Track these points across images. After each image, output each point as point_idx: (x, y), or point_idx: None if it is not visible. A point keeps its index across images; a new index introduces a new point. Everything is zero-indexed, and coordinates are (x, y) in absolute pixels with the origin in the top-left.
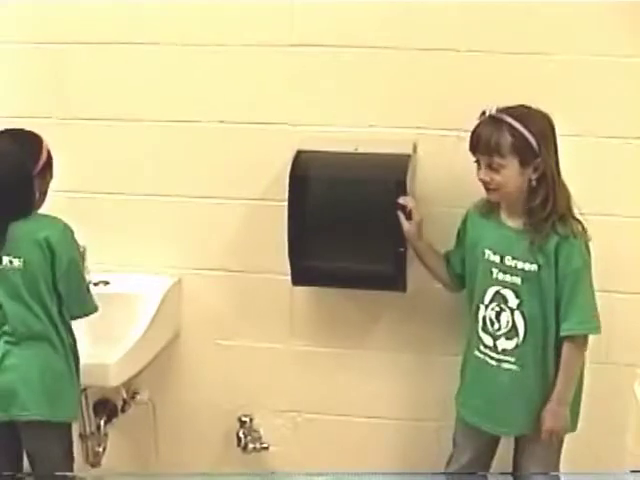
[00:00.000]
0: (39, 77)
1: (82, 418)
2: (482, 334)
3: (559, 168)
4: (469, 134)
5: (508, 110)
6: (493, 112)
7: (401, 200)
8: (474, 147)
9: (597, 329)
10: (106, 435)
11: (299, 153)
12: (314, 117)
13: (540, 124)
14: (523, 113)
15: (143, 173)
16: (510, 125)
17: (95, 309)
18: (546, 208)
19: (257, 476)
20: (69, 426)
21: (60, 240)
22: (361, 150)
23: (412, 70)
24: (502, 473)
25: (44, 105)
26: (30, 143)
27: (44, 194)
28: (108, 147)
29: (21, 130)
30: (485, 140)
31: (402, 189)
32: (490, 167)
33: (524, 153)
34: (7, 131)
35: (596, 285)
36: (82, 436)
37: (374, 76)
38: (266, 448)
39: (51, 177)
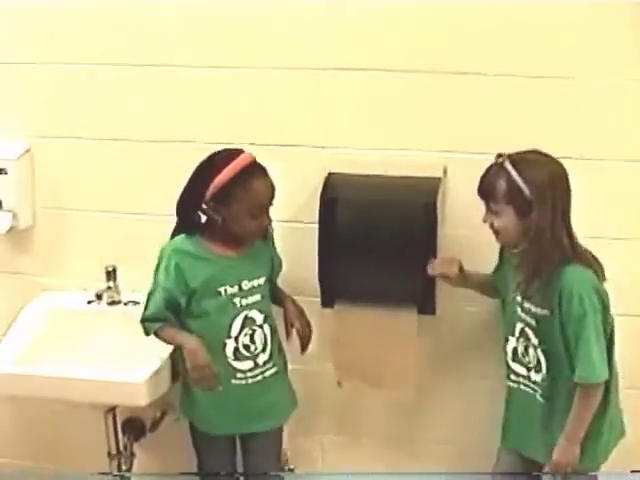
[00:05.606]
0: (64, 97)
1: (110, 437)
2: (512, 364)
3: (562, 222)
4: None
5: (515, 157)
6: (501, 159)
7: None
8: (478, 188)
9: (600, 377)
10: (134, 454)
11: (330, 175)
12: (345, 140)
13: (540, 175)
14: (526, 161)
15: (171, 193)
16: (508, 174)
17: None
18: (538, 259)
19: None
20: None
21: None
22: (391, 173)
23: (442, 94)
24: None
25: (72, 125)
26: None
27: None
28: (137, 167)
29: None
30: (484, 184)
31: (432, 212)
32: (490, 211)
33: (518, 203)
34: None
35: (617, 309)
36: (110, 455)
37: (404, 99)
38: (292, 470)
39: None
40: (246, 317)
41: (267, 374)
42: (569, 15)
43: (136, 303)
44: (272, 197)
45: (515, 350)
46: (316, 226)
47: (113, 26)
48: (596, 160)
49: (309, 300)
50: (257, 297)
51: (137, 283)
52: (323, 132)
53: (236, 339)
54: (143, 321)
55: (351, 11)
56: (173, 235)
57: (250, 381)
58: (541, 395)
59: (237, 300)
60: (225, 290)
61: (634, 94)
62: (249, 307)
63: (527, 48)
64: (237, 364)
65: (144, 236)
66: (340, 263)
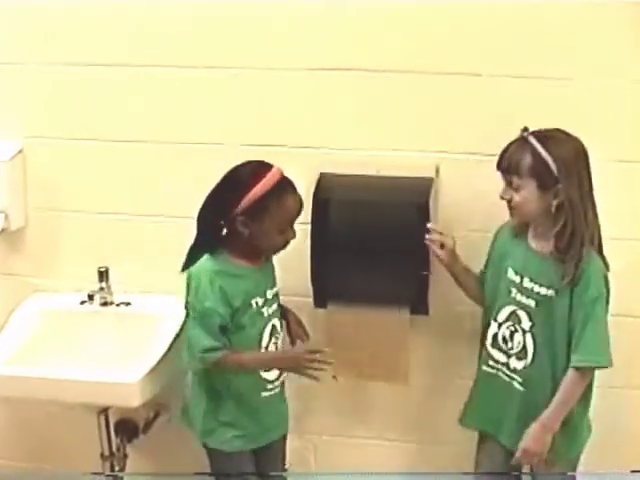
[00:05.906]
0: (56, 98)
1: (103, 438)
2: (491, 350)
3: (588, 199)
4: (491, 158)
5: (538, 132)
6: (525, 133)
7: (427, 240)
8: (498, 163)
9: (606, 362)
10: (126, 456)
11: (322, 176)
12: (337, 140)
13: (566, 151)
14: (551, 137)
15: (163, 194)
16: (533, 147)
17: None
18: (563, 237)
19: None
20: None
21: None
22: (384, 173)
23: (435, 94)
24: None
25: (64, 126)
26: None
27: None
28: (130, 168)
29: None
30: (507, 158)
31: (424, 212)
32: (510, 186)
33: (542, 177)
34: None
35: (619, 309)
36: (103, 456)
37: (397, 100)
38: (285, 469)
39: None
40: (273, 326)
41: (280, 380)
42: (569, 15)
43: (128, 304)
44: (300, 212)
45: (495, 336)
46: (309, 227)
47: (109, 26)
48: (595, 160)
49: (302, 300)
50: (276, 305)
51: (129, 284)
52: (315, 132)
53: (266, 349)
54: (204, 352)
55: (341, 11)
56: (193, 249)
57: (277, 390)
58: (520, 383)
59: (264, 310)
60: (256, 302)
61: (634, 94)
62: (273, 316)
63: (525, 48)
64: (266, 375)
65: (137, 237)
66: (333, 263)
